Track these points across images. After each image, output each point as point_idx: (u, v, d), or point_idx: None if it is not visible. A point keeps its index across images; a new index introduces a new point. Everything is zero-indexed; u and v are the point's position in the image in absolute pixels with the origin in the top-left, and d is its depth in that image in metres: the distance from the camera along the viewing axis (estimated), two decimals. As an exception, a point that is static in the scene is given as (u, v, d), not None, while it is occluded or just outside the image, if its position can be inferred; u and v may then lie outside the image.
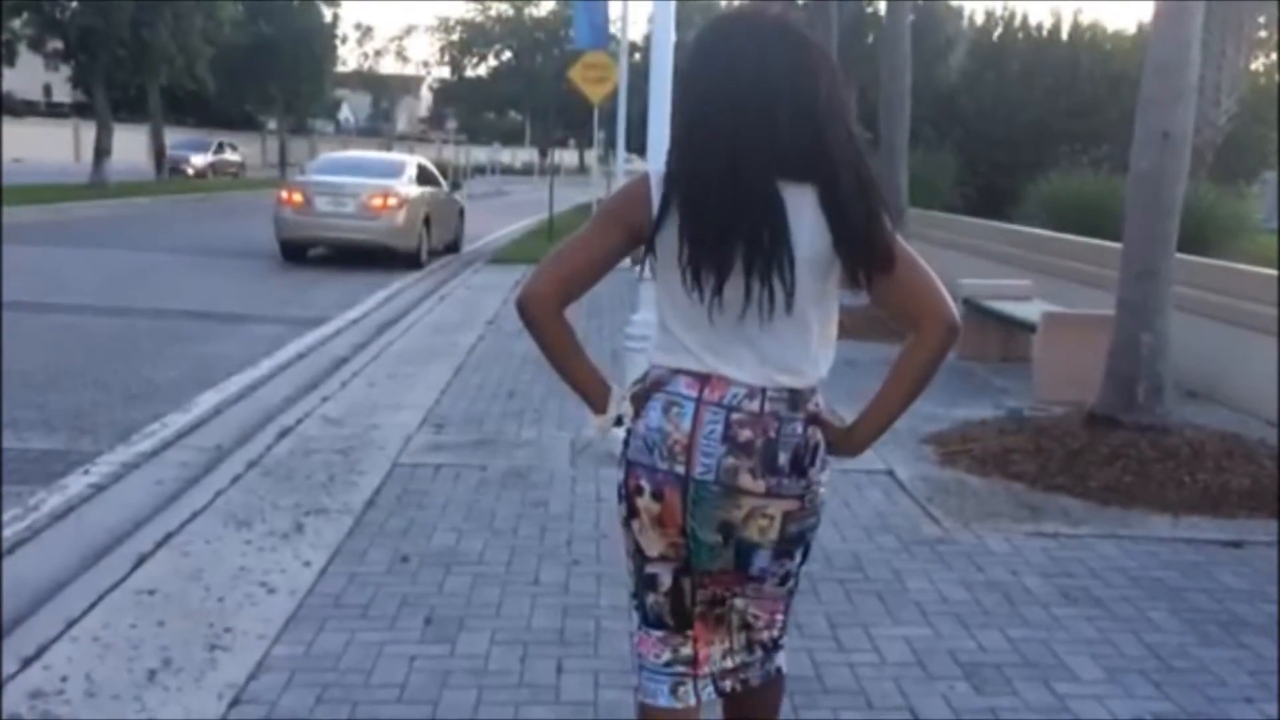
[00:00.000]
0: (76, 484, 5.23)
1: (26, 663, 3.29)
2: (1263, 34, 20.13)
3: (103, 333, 9.38)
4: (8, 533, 4.51)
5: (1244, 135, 18.31)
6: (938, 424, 6.29)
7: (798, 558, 2.19)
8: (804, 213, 1.97)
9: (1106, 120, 17.52)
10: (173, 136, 40.27)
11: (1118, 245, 6.31)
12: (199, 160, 41.09)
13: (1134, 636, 3.77)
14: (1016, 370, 7.96)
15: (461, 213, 18.80)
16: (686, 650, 2.25)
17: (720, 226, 1.96)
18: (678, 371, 2.07)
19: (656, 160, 5.88)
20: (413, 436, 6.08)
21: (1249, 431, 6.18)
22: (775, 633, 2.29)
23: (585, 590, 4.03)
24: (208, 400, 7.05)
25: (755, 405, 2.03)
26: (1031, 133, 18.49)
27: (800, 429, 2.06)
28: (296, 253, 15.65)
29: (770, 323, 2.00)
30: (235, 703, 3.12)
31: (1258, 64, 21.39)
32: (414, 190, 15.99)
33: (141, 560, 4.15)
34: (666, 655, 2.25)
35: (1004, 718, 3.19)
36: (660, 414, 2.07)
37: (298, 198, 15.44)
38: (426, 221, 16.01)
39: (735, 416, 2.03)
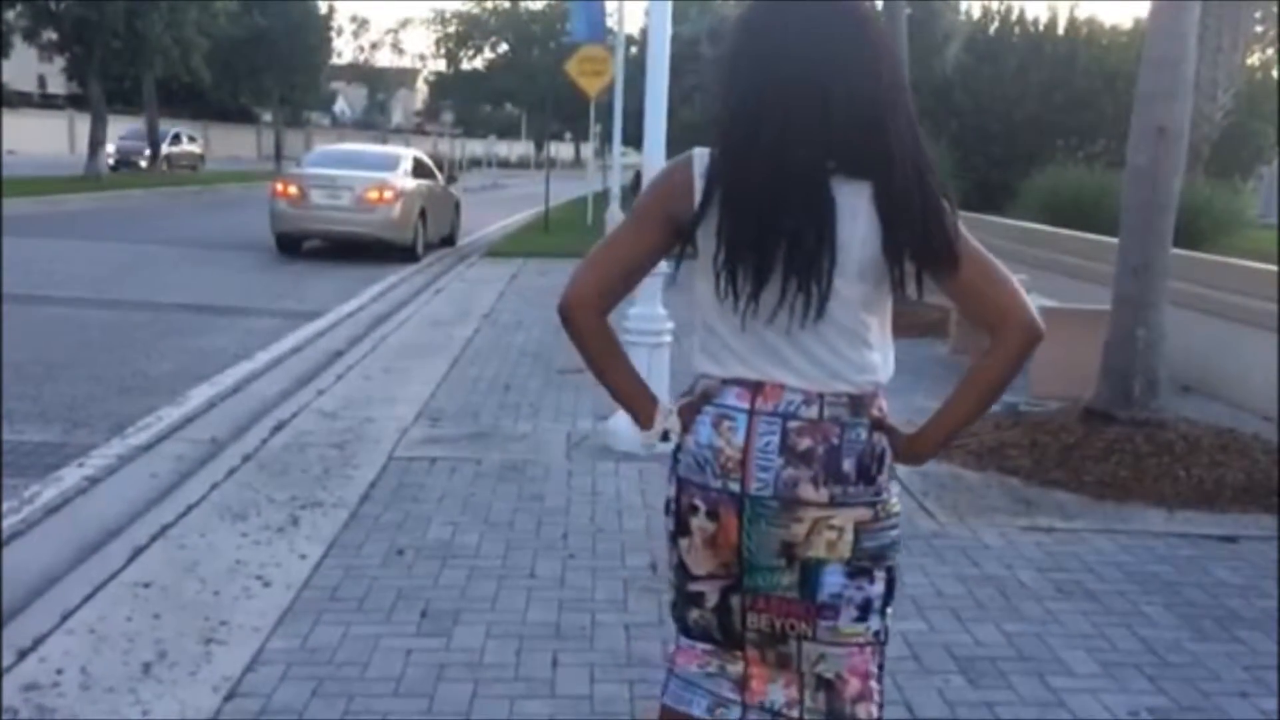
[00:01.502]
0: (71, 476, 5.22)
1: (22, 655, 3.29)
2: (1259, 29, 20.15)
3: (97, 325, 9.36)
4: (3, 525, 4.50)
5: (1240, 131, 18.31)
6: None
7: (879, 584, 1.94)
8: (859, 213, 1.80)
9: (1103, 115, 17.50)
10: (124, 125, 37.92)
11: (1114, 240, 6.32)
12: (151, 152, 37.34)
13: (1128, 631, 3.78)
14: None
15: (457, 206, 18.78)
16: (735, 669, 2.01)
17: (761, 226, 1.80)
18: (728, 381, 1.90)
19: (653, 155, 5.87)
20: (408, 430, 6.08)
21: (1244, 426, 6.19)
22: (874, 711, 1.98)
23: (581, 584, 4.03)
24: (202, 393, 7.04)
25: (814, 412, 1.87)
26: (1027, 127, 18.47)
27: (865, 434, 1.89)
28: (292, 245, 15.63)
29: (816, 327, 1.84)
30: (230, 696, 3.11)
31: (1254, 59, 21.40)
32: (409, 183, 15.97)
33: (137, 553, 4.14)
34: (711, 668, 2.03)
35: (999, 711, 3.20)
36: (711, 429, 1.90)
37: (293, 190, 15.41)
38: (422, 215, 15.99)
39: (792, 425, 1.87)
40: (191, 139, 42.77)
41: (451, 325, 9.73)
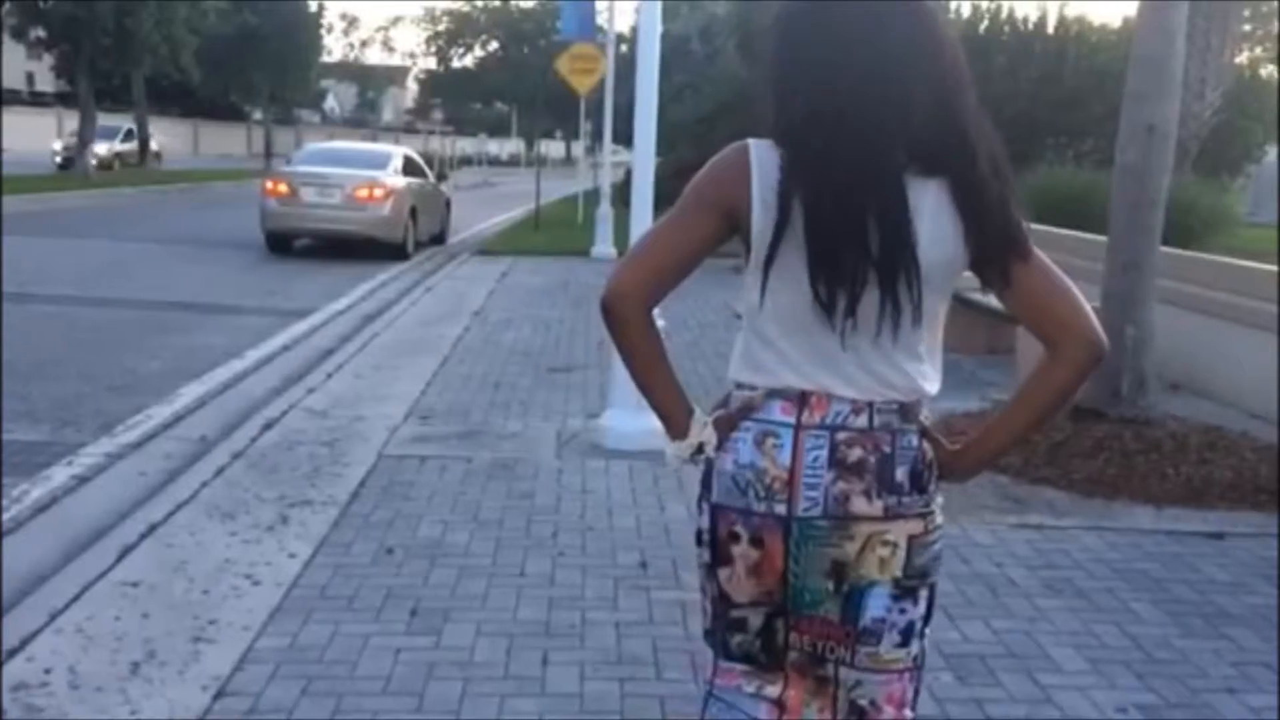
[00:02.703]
0: (60, 475, 5.21)
1: (10, 654, 3.28)
2: (1247, 28, 20.21)
3: (86, 323, 9.33)
4: (-10, 524, 4.49)
5: (1228, 129, 18.34)
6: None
7: (921, 604, 1.85)
8: (924, 213, 1.70)
9: (1092, 114, 17.52)
10: (72, 122, 34.99)
11: (1103, 238, 6.34)
12: (103, 149, 34.29)
13: (1117, 628, 3.79)
14: (1002, 362, 7.98)
15: (448, 204, 18.78)
16: (774, 690, 1.91)
17: (848, 239, 1.68)
18: (772, 393, 1.78)
19: (643, 153, 5.87)
20: (398, 428, 6.07)
21: (1232, 424, 6.22)
22: None
23: (571, 582, 4.03)
24: (192, 392, 7.02)
25: (863, 420, 1.76)
26: (1017, 126, 18.46)
27: (916, 441, 1.79)
28: (282, 243, 15.61)
29: (879, 338, 1.74)
30: (220, 695, 3.11)
31: (1242, 58, 21.48)
32: (400, 181, 15.95)
33: (125, 552, 4.13)
34: (751, 688, 1.92)
35: (988, 709, 3.21)
36: (753, 447, 1.78)
37: (283, 188, 15.38)
38: (413, 213, 15.98)
39: (841, 436, 1.75)
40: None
41: (441, 323, 9.71)
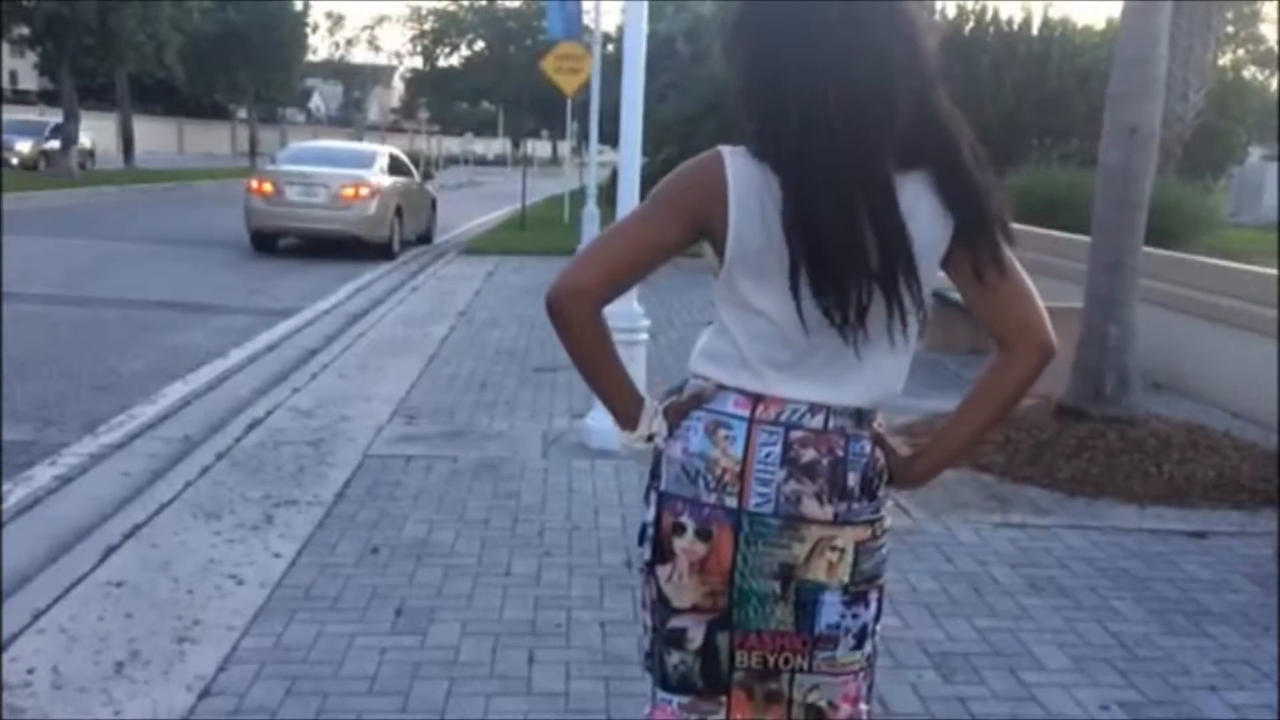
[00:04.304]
0: (43, 475, 5.18)
1: (-8, 656, 3.27)
2: (1230, 29, 20.32)
3: (70, 323, 9.28)
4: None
5: (1211, 130, 18.46)
6: (907, 415, 6.31)
7: (872, 606, 1.84)
8: (905, 211, 1.66)
9: (1075, 115, 17.59)
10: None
11: (1086, 238, 6.37)
12: (24, 147, 31.34)
13: (1100, 626, 3.81)
14: (985, 362, 8.01)
15: (433, 203, 18.76)
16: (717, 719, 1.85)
17: (850, 249, 1.63)
18: (726, 387, 1.74)
19: (629, 153, 5.86)
20: (384, 428, 6.06)
21: (1214, 423, 6.25)
22: None
23: (557, 581, 4.03)
24: (176, 391, 7.00)
25: (818, 422, 1.72)
26: (1001, 127, 18.51)
27: (868, 448, 1.76)
28: (267, 243, 15.57)
29: (893, 347, 1.72)
30: (204, 695, 3.10)
31: (1225, 59, 21.60)
32: (385, 180, 15.93)
33: (109, 552, 4.12)
34: None
35: (972, 706, 3.22)
36: (704, 436, 1.74)
37: (268, 187, 15.34)
38: (398, 212, 15.95)
39: (795, 435, 1.72)
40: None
41: (427, 323, 9.70)
